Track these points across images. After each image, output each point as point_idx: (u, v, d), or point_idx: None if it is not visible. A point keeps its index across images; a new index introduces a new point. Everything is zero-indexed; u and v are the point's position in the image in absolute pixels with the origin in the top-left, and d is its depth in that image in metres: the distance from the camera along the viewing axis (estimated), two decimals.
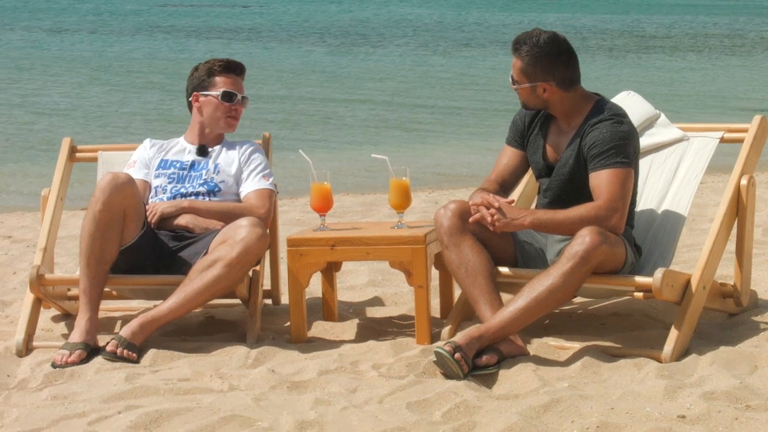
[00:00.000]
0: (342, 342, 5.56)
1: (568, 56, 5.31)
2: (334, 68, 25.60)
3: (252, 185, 5.85)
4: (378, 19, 44.75)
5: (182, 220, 5.73)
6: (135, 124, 17.15)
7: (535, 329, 5.44)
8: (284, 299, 6.18)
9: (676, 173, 5.69)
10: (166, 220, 5.72)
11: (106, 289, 5.63)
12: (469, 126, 17.29)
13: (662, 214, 5.61)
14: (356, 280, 6.88)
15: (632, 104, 5.74)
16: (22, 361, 5.44)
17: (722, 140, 5.73)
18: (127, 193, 5.45)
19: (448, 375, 4.89)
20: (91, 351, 5.34)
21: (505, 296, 5.32)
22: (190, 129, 6.02)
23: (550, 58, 5.26)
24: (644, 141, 5.70)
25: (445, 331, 5.52)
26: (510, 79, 5.38)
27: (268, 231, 5.63)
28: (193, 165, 5.92)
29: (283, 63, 26.59)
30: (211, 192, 5.84)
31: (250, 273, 5.71)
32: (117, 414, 4.55)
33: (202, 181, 5.85)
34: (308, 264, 5.53)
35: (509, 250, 5.42)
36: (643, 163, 5.66)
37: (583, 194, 5.24)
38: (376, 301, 6.40)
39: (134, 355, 5.27)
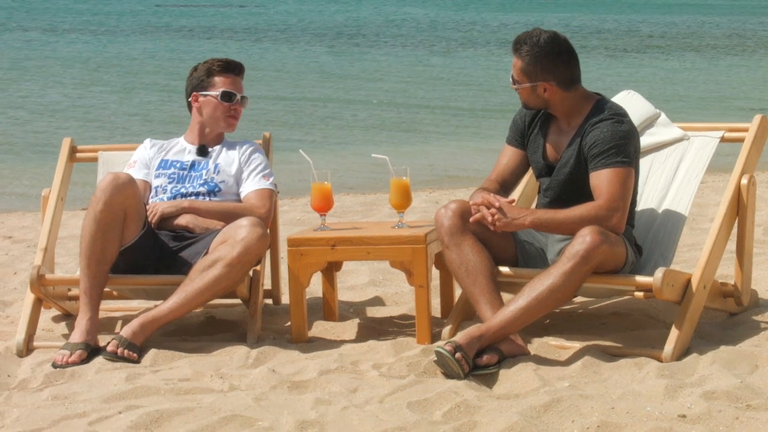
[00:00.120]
0: (342, 342, 5.56)
1: (568, 56, 5.31)
2: (333, 68, 25.61)
3: (252, 185, 5.85)
4: (377, 19, 44.74)
5: (182, 220, 5.73)
6: (135, 124, 17.16)
7: (535, 329, 5.44)
8: (285, 299, 6.18)
9: (676, 173, 5.69)
10: (166, 220, 5.72)
11: (107, 289, 5.63)
12: (469, 126, 17.29)
13: (663, 214, 5.61)
14: (357, 280, 6.88)
15: (633, 104, 5.74)
16: (23, 362, 5.44)
17: (723, 140, 5.73)
18: (128, 193, 5.45)
19: (449, 375, 4.89)
20: (91, 351, 5.34)
21: (505, 296, 5.32)
22: (189, 129, 6.02)
23: (551, 57, 5.26)
24: (645, 140, 5.70)
25: (446, 330, 5.52)
26: (510, 79, 5.38)
27: (268, 231, 5.63)
28: (193, 165, 5.92)
29: (282, 63, 26.59)
30: (212, 192, 5.84)
31: (251, 273, 5.71)
32: (118, 414, 4.55)
33: (202, 181, 5.85)
34: (309, 264, 5.53)
35: (510, 250, 5.42)
36: (644, 163, 5.66)
37: (584, 194, 5.24)
38: (377, 301, 6.41)
39: (135, 355, 5.27)
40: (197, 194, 5.83)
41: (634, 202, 5.38)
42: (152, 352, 5.30)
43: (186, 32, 36.99)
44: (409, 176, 5.65)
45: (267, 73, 23.63)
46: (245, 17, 45.38)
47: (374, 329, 5.75)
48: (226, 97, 5.89)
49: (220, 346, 5.45)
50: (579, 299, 5.98)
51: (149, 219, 5.66)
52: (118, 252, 5.49)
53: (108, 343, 5.31)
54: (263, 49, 30.54)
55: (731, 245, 5.68)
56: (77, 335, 5.38)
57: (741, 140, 5.61)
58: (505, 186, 5.50)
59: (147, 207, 5.71)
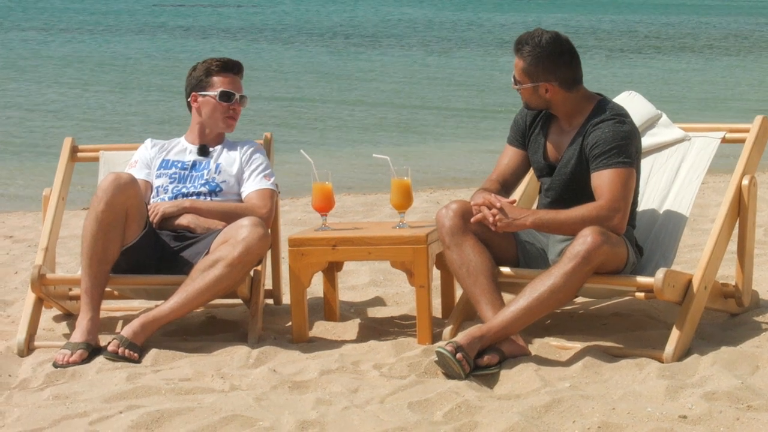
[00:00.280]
0: (343, 342, 5.56)
1: (570, 56, 5.31)
2: (331, 69, 25.60)
3: (253, 185, 5.85)
4: (375, 19, 44.72)
5: (184, 220, 5.73)
6: (132, 123, 17.16)
7: (536, 329, 5.44)
8: (285, 299, 6.18)
9: (677, 173, 5.69)
10: (167, 219, 5.72)
11: (108, 289, 5.63)
12: (470, 126, 17.29)
13: (664, 214, 5.61)
14: (357, 280, 6.88)
15: (634, 104, 5.74)
16: (24, 361, 5.44)
17: (724, 140, 5.73)
18: (129, 193, 5.45)
19: (450, 375, 4.89)
20: (92, 351, 5.34)
21: (506, 296, 5.32)
22: (190, 129, 6.02)
23: (552, 58, 5.26)
24: (646, 141, 5.69)
25: (447, 331, 5.52)
26: (512, 79, 5.38)
27: (269, 231, 5.63)
28: (194, 165, 5.92)
29: (278, 63, 26.57)
30: (213, 192, 5.84)
31: (252, 273, 5.71)
32: (118, 414, 4.55)
33: (203, 181, 5.85)
34: (310, 264, 5.53)
35: (511, 250, 5.42)
36: (645, 163, 5.66)
37: (585, 194, 5.24)
38: (378, 301, 6.40)
39: (135, 354, 5.27)
40: (198, 194, 5.83)
41: (635, 203, 5.38)
42: (153, 352, 5.30)
43: (182, 32, 37.00)
44: (410, 176, 5.65)
45: (265, 74, 23.62)
46: (243, 17, 45.37)
47: (375, 329, 5.75)
48: (225, 97, 5.88)
49: (220, 346, 5.45)
50: (580, 300, 5.97)
51: (150, 219, 5.66)
52: (119, 252, 5.49)
53: (109, 342, 5.31)
54: (260, 49, 30.53)
55: (732, 246, 5.67)
56: (78, 335, 5.38)
57: (742, 141, 5.61)
58: (506, 186, 5.50)
59: (148, 207, 5.71)
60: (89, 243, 5.43)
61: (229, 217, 5.69)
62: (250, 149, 5.95)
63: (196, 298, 5.43)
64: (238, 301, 5.95)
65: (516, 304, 5.05)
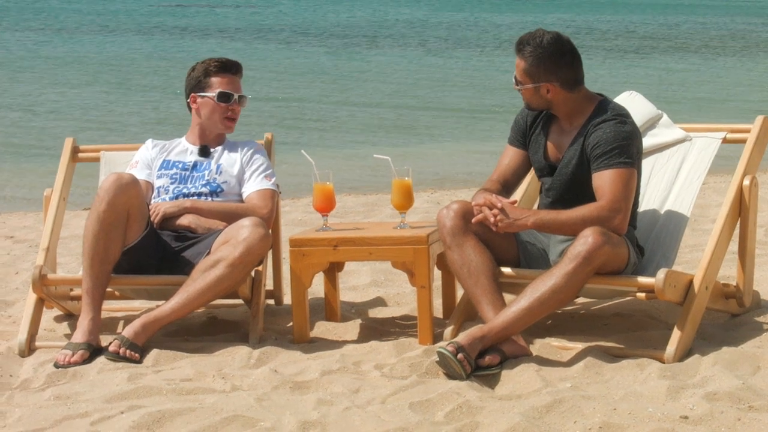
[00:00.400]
0: (344, 342, 5.56)
1: (571, 57, 5.30)
2: (333, 69, 25.60)
3: (254, 185, 5.85)
4: (373, 19, 44.71)
5: (185, 220, 5.73)
6: (133, 124, 17.17)
7: (537, 329, 5.44)
8: (287, 299, 6.18)
9: (678, 174, 5.69)
10: (168, 220, 5.72)
11: (109, 289, 5.63)
12: (470, 127, 17.29)
13: (665, 215, 5.61)
14: (358, 281, 6.88)
15: (635, 104, 5.74)
16: (25, 361, 5.44)
17: (725, 141, 5.73)
18: (131, 193, 5.45)
19: (451, 375, 4.89)
20: (93, 351, 5.34)
21: (507, 297, 5.32)
22: (190, 130, 6.02)
23: (554, 58, 5.26)
24: (647, 141, 5.69)
25: (448, 331, 5.52)
26: (513, 80, 5.38)
27: (270, 231, 5.63)
28: (195, 165, 5.92)
29: (280, 64, 26.57)
30: (214, 192, 5.84)
31: (253, 273, 5.71)
32: (120, 414, 4.55)
33: (204, 182, 5.85)
34: (311, 264, 5.53)
35: (512, 251, 5.42)
36: (646, 164, 5.66)
37: (586, 194, 5.24)
38: (379, 302, 6.40)
39: (137, 355, 5.27)
40: (199, 195, 5.83)
41: (636, 203, 5.37)
42: (154, 353, 5.30)
43: (179, 32, 37.00)
44: (411, 177, 5.65)
45: (264, 74, 23.61)
46: (241, 18, 45.36)
47: (376, 330, 5.75)
48: (223, 97, 5.88)
49: (222, 347, 5.45)
50: (581, 300, 5.97)
51: (152, 219, 5.66)
52: (120, 252, 5.49)
53: (110, 343, 5.31)
54: (259, 50, 30.53)
55: (733, 246, 5.67)
56: (79, 335, 5.38)
57: (743, 141, 5.61)
58: (506, 186, 5.50)
59: (149, 207, 5.71)
60: (91, 243, 5.43)
61: (230, 217, 5.69)
62: (250, 150, 5.95)
63: (197, 299, 5.43)
64: (239, 301, 5.95)
65: (517, 304, 5.05)
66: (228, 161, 5.91)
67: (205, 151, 5.94)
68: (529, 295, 5.05)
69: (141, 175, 5.88)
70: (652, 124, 5.81)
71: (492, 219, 5.19)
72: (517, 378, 4.89)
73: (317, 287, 6.28)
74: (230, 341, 5.57)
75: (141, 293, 5.91)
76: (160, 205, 5.75)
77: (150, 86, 21.83)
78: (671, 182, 5.68)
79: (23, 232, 9.09)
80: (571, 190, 5.34)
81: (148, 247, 5.58)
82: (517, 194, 5.77)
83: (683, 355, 5.10)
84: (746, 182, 5.48)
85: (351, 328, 5.77)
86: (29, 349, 5.56)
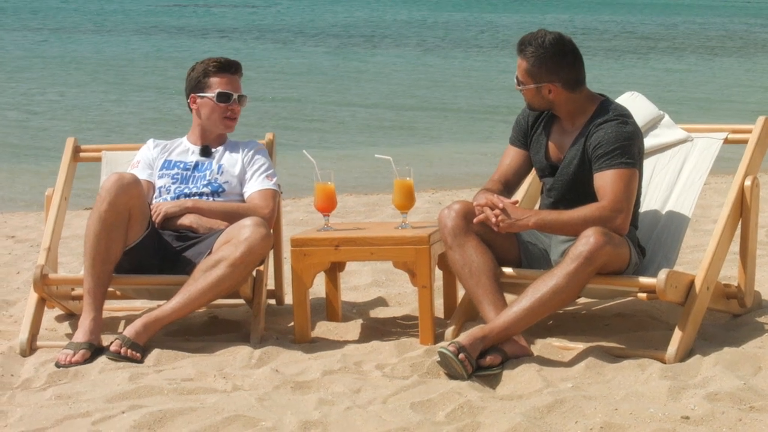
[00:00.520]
0: (346, 342, 5.56)
1: (573, 57, 5.30)
2: (332, 69, 25.60)
3: (256, 185, 5.85)
4: (372, 20, 44.71)
5: (186, 220, 5.73)
6: (132, 124, 17.18)
7: (538, 330, 5.44)
8: (288, 299, 6.18)
9: (680, 174, 5.69)
10: (170, 220, 5.73)
11: (110, 289, 5.63)
12: (470, 126, 17.29)
13: (666, 215, 5.61)
14: (360, 281, 6.88)
15: (636, 105, 5.74)
16: (26, 361, 5.44)
17: (726, 141, 5.73)
18: (132, 193, 5.45)
19: (452, 375, 4.89)
20: (94, 351, 5.34)
21: (509, 297, 5.32)
22: (191, 130, 6.02)
23: (556, 59, 5.25)
24: (648, 142, 5.70)
25: (449, 331, 5.52)
26: (515, 80, 5.37)
27: (271, 231, 5.63)
28: (196, 165, 5.92)
29: (276, 64, 26.56)
30: (215, 192, 5.84)
31: (254, 273, 5.71)
32: (121, 414, 4.55)
33: (205, 182, 5.85)
34: (312, 264, 5.53)
35: (513, 251, 5.42)
36: (647, 164, 5.66)
37: (587, 194, 5.24)
38: (380, 302, 6.40)
39: (138, 354, 5.27)
40: (201, 194, 5.83)
41: (637, 204, 5.37)
42: (155, 352, 5.30)
43: (175, 31, 37.00)
44: (413, 177, 5.64)
45: (263, 74, 23.61)
46: (239, 18, 45.37)
47: (377, 330, 5.76)
48: (222, 98, 5.88)
49: (223, 346, 5.45)
50: (582, 300, 5.97)
51: (153, 219, 5.66)
52: (122, 252, 5.49)
53: (111, 342, 5.31)
54: (258, 50, 30.53)
55: (734, 247, 5.67)
56: (80, 335, 5.38)
57: (744, 142, 5.61)
58: (508, 186, 5.50)
59: (151, 207, 5.71)
60: (92, 243, 5.44)
61: (232, 217, 5.69)
62: (252, 150, 5.95)
63: (198, 298, 5.43)
64: (241, 301, 5.95)
65: (518, 304, 5.05)
66: (229, 161, 5.91)
67: (206, 151, 5.94)
68: (530, 296, 5.05)
69: (142, 175, 5.88)
70: (653, 124, 5.81)
71: (493, 219, 5.19)
72: (518, 378, 4.89)
73: (318, 287, 6.28)
74: (231, 341, 5.57)
75: (142, 293, 5.91)
76: (161, 204, 5.75)
77: (148, 86, 21.84)
78: (673, 183, 5.68)
79: (24, 232, 9.09)
80: (573, 190, 5.34)
81: (149, 246, 5.58)
82: (519, 194, 5.77)
83: (684, 355, 5.10)
84: (747, 183, 5.48)
85: (352, 328, 5.77)
86: (30, 348, 5.56)
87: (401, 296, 6.47)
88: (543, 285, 5.04)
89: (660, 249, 5.52)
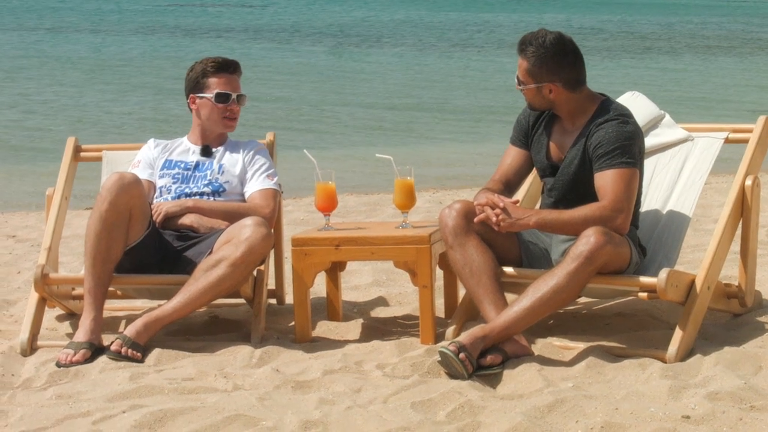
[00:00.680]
0: (346, 342, 5.56)
1: (574, 57, 5.30)
2: (331, 69, 25.60)
3: (256, 185, 5.85)
4: (370, 20, 44.70)
5: (187, 220, 5.73)
6: (130, 123, 17.19)
7: (539, 329, 5.44)
8: (288, 299, 6.18)
9: (680, 173, 5.69)
10: (170, 219, 5.72)
11: (111, 289, 5.64)
12: (470, 126, 17.29)
13: (667, 215, 5.61)
14: (360, 280, 6.88)
15: (637, 104, 5.74)
16: (27, 361, 5.44)
17: (727, 141, 5.73)
18: (133, 192, 5.45)
19: (453, 375, 4.89)
20: (95, 350, 5.34)
21: (509, 296, 5.32)
22: (192, 130, 6.02)
23: (556, 59, 5.25)
24: (649, 141, 5.70)
25: (450, 330, 5.52)
26: (516, 80, 5.37)
27: (272, 231, 5.63)
28: (197, 165, 5.92)
29: (272, 64, 26.55)
30: (216, 192, 5.84)
31: (255, 273, 5.71)
32: (121, 413, 4.55)
33: (206, 182, 5.85)
34: (313, 264, 5.53)
35: (514, 250, 5.42)
36: (648, 164, 5.66)
37: (588, 194, 5.24)
38: (381, 301, 6.41)
39: (138, 354, 5.27)
40: (201, 194, 5.83)
41: (638, 203, 5.37)
42: (156, 352, 5.30)
43: (171, 31, 36.99)
44: (413, 176, 5.64)
45: (260, 74, 23.61)
46: (234, 17, 45.37)
47: (378, 329, 5.76)
48: (221, 98, 5.87)
49: (223, 346, 5.45)
50: (583, 300, 5.97)
51: (154, 218, 5.66)
52: (122, 251, 5.50)
53: (112, 342, 5.31)
54: (251, 49, 30.52)
55: (735, 246, 5.67)
56: (81, 334, 5.38)
57: (745, 141, 5.61)
58: (509, 186, 5.50)
59: (151, 207, 5.71)
60: (93, 242, 5.44)
61: (232, 216, 5.69)
62: (252, 149, 5.95)
63: (199, 298, 5.43)
64: (241, 300, 5.95)
65: (519, 304, 5.05)
66: (230, 161, 5.91)
67: (207, 151, 5.94)
68: (531, 295, 5.05)
69: (143, 174, 5.88)
70: (654, 123, 5.81)
71: (494, 218, 5.19)
72: (518, 377, 4.89)
73: (319, 287, 6.28)
74: (232, 341, 5.57)
75: (143, 292, 5.91)
76: (162, 204, 5.75)
77: (146, 85, 21.84)
78: (673, 182, 5.68)
79: (25, 232, 9.09)
80: (574, 190, 5.34)
81: (150, 246, 5.58)
82: (519, 194, 5.77)
83: (685, 354, 5.10)
84: (748, 182, 5.48)
85: (353, 328, 5.77)
86: (31, 348, 5.56)
87: (402, 296, 6.47)
88: (543, 284, 5.04)
89: (661, 248, 5.52)
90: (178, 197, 5.82)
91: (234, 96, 5.89)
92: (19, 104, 19.11)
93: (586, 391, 4.69)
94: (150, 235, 5.57)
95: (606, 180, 5.18)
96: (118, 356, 5.24)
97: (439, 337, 5.50)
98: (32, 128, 16.58)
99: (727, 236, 5.41)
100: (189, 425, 4.42)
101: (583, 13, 51.55)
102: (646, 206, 5.62)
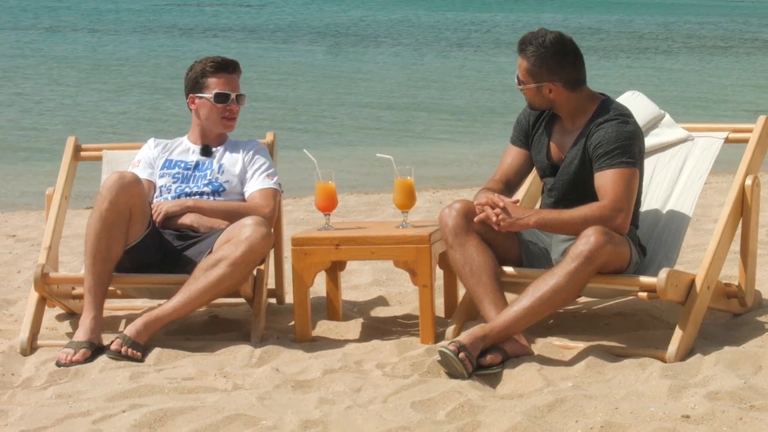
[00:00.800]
0: (346, 341, 5.56)
1: (574, 56, 5.30)
2: (331, 69, 25.60)
3: (256, 185, 5.85)
4: (370, 20, 44.70)
5: (187, 219, 5.73)
6: (129, 123, 17.18)
7: (539, 329, 5.44)
8: (288, 298, 6.18)
9: (680, 173, 5.70)
10: (170, 219, 5.72)
11: (111, 288, 5.64)
12: (470, 126, 17.30)
13: (667, 214, 5.61)
14: (360, 280, 6.88)
15: (637, 104, 5.75)
16: (27, 360, 5.44)
17: (727, 140, 5.74)
18: (133, 192, 5.45)
19: (453, 374, 4.89)
20: (95, 350, 5.34)
21: (509, 296, 5.33)
22: (192, 129, 6.02)
23: (556, 58, 5.26)
24: (649, 141, 5.70)
25: (450, 330, 5.52)
26: (516, 80, 5.37)
27: (272, 230, 5.63)
28: (197, 165, 5.92)
29: (270, 64, 26.55)
30: (216, 192, 5.84)
31: (255, 272, 5.71)
32: (121, 413, 4.55)
33: (206, 181, 5.85)
34: (313, 263, 5.53)
35: (514, 250, 5.42)
36: (648, 163, 5.66)
37: (588, 194, 5.24)
38: (381, 301, 6.41)
39: (138, 353, 5.27)
40: (201, 194, 5.83)
41: (638, 203, 5.37)
42: (156, 351, 5.30)
43: (166, 30, 36.98)
44: (414, 176, 5.64)
45: (256, 73, 23.61)
46: (231, 17, 45.36)
47: (378, 329, 5.76)
48: (220, 98, 5.87)
49: (223, 346, 5.45)
50: (583, 299, 5.98)
51: (154, 218, 5.66)
52: (122, 251, 5.50)
53: (112, 341, 5.31)
54: (249, 49, 30.52)
55: (735, 246, 5.68)
56: (81, 334, 5.38)
57: (745, 141, 5.62)
58: (509, 186, 5.50)
59: (151, 206, 5.71)
60: (93, 242, 5.44)
61: (232, 216, 5.69)
62: (252, 149, 5.95)
63: (198, 297, 5.43)
64: (241, 300, 5.95)
65: (519, 303, 5.06)
66: (230, 161, 5.91)
67: (207, 151, 5.94)
68: (530, 295, 5.05)
69: (143, 174, 5.88)
70: (654, 123, 5.82)
71: (494, 218, 5.19)
72: (518, 377, 4.89)
73: (319, 286, 6.28)
74: (232, 340, 5.57)
75: (143, 292, 5.91)
76: (162, 204, 5.75)
77: (143, 85, 21.83)
78: (673, 182, 5.69)
79: (25, 231, 9.09)
80: (574, 190, 5.34)
81: (150, 245, 5.58)
82: (519, 194, 5.77)
83: (685, 354, 5.10)
84: (748, 182, 5.48)
85: (353, 327, 5.77)
86: (31, 347, 5.56)
87: (402, 295, 6.47)
88: (543, 284, 5.04)
89: (661, 248, 5.52)
90: (178, 197, 5.82)
91: (233, 96, 5.89)
92: (16, 103, 19.11)
93: (586, 391, 4.69)
94: (150, 234, 5.57)
95: (606, 180, 5.18)
96: (118, 356, 5.24)
97: (439, 337, 5.50)
98: (29, 128, 16.58)
99: (727, 236, 5.42)
100: (189, 425, 4.42)
101: (581, 12, 51.60)
102: (646, 206, 5.62)
